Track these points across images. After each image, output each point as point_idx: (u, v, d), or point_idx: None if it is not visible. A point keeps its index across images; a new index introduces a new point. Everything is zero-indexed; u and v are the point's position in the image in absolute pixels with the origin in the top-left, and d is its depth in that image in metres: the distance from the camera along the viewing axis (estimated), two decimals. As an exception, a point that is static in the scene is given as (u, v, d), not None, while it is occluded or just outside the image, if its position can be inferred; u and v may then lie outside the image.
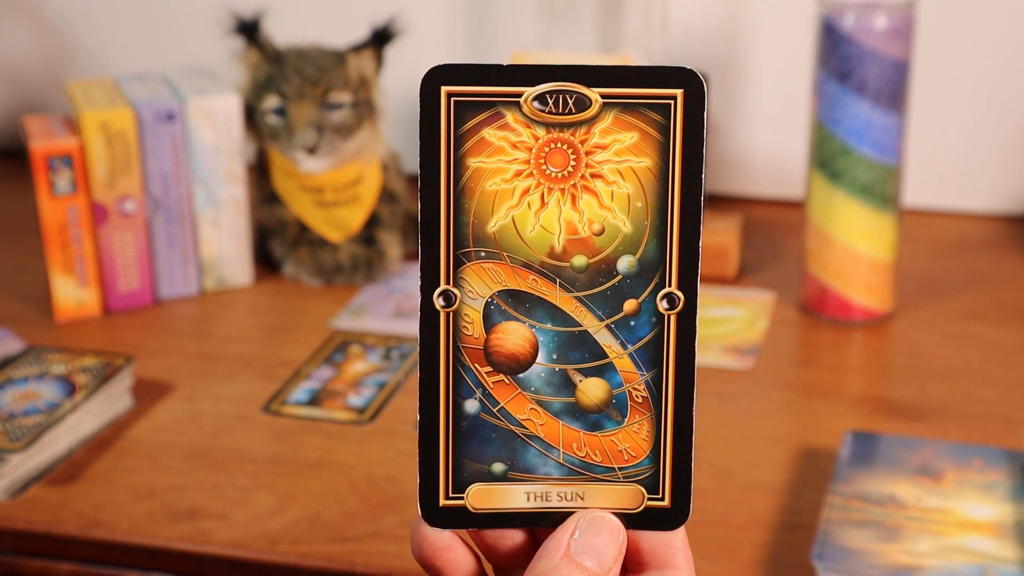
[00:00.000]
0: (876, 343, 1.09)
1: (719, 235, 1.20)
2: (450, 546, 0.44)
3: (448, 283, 0.43)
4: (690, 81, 0.42)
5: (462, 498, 0.44)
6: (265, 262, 1.24)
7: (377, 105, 1.19)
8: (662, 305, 0.43)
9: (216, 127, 1.16)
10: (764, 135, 1.40)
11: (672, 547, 0.44)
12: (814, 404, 0.99)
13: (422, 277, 0.43)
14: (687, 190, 0.43)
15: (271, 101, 1.16)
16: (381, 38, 1.18)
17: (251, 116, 1.18)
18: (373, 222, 1.22)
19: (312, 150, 1.15)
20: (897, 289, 1.13)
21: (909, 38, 1.04)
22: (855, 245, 1.08)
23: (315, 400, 0.99)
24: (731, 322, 1.11)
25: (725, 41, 1.38)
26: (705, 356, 1.04)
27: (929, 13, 1.25)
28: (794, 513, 0.84)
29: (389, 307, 1.16)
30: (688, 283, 0.43)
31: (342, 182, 1.19)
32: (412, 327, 1.12)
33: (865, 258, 1.08)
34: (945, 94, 1.33)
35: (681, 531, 0.44)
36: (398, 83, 1.30)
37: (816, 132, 1.07)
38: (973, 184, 1.36)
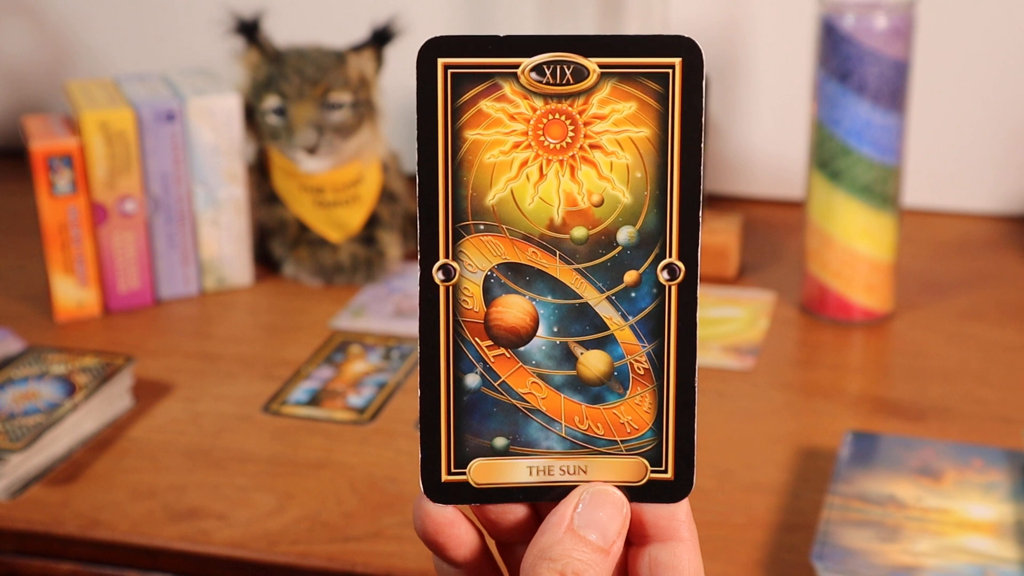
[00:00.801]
0: (876, 343, 1.09)
1: (719, 235, 1.20)
2: (452, 521, 0.44)
3: (447, 257, 0.42)
4: (688, 50, 0.42)
5: (464, 473, 0.43)
6: (265, 262, 1.24)
7: (377, 105, 1.19)
8: (663, 276, 0.43)
9: (216, 127, 1.16)
10: (764, 135, 1.40)
11: (676, 519, 0.44)
12: (814, 404, 0.99)
13: (420, 251, 0.42)
14: (686, 160, 0.42)
15: (271, 101, 1.16)
16: (381, 38, 1.18)
17: (251, 116, 1.18)
18: (373, 222, 1.22)
19: (312, 150, 1.15)
20: (897, 289, 1.13)
21: (909, 38, 1.04)
22: (855, 245, 1.08)
23: (315, 400, 0.99)
24: (731, 322, 1.11)
25: (725, 41, 1.38)
26: (705, 356, 1.04)
27: (929, 13, 1.25)
28: (794, 513, 0.84)
29: (389, 307, 1.16)
30: (688, 253, 0.43)
31: (342, 182, 1.19)
32: (412, 327, 1.12)
33: (865, 258, 1.08)
34: (945, 94, 1.33)
35: (685, 503, 0.44)
36: (398, 83, 1.30)
37: (816, 132, 1.07)
38: (973, 184, 1.36)
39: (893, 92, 1.04)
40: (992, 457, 0.86)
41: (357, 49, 1.18)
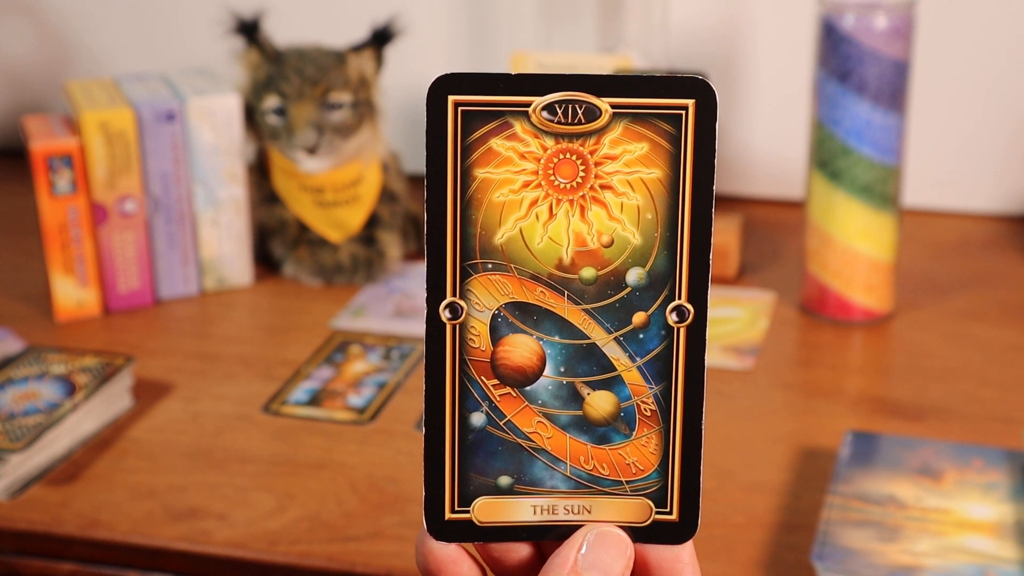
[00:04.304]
0: (876, 343, 1.09)
1: (719, 235, 1.20)
2: (456, 560, 0.43)
3: (455, 295, 0.42)
4: (702, 91, 0.41)
5: (468, 511, 0.43)
6: (265, 262, 1.24)
7: (377, 105, 1.19)
8: (671, 318, 0.43)
9: (216, 127, 1.16)
10: (764, 135, 1.40)
11: (680, 561, 0.44)
12: (814, 404, 0.99)
13: (428, 289, 0.42)
14: (697, 201, 0.42)
15: (271, 101, 1.16)
16: (381, 38, 1.18)
17: (251, 116, 1.18)
18: (373, 222, 1.22)
19: (312, 150, 1.15)
20: (897, 289, 1.13)
21: (909, 38, 1.04)
22: (855, 245, 1.08)
23: (315, 400, 0.99)
24: (731, 322, 1.11)
25: (725, 41, 1.38)
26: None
27: (929, 13, 1.25)
28: (794, 513, 0.84)
29: (389, 307, 1.16)
30: (698, 296, 0.43)
31: (342, 182, 1.19)
32: (412, 327, 1.12)
33: (865, 258, 1.08)
34: (945, 94, 1.33)
35: (689, 545, 0.44)
36: (398, 83, 1.30)
37: (816, 132, 1.07)
38: (973, 184, 1.36)
39: (893, 92, 1.04)
40: (992, 457, 0.86)
41: (357, 49, 1.18)
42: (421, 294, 1.20)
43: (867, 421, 0.95)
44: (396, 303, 1.17)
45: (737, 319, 1.12)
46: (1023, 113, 1.33)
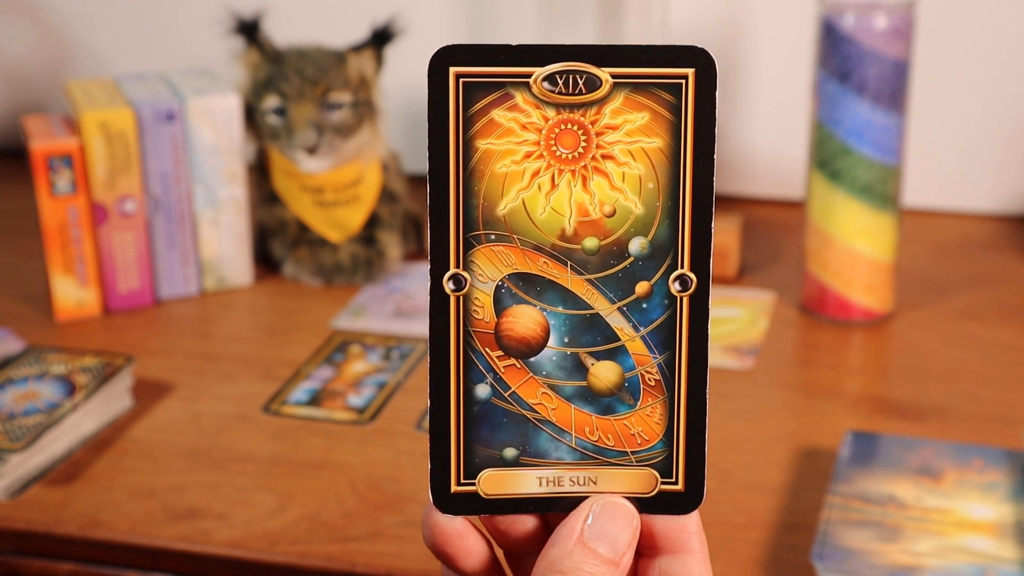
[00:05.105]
0: (876, 343, 1.09)
1: (719, 235, 1.20)
2: (462, 533, 0.43)
3: (458, 267, 0.42)
4: (701, 60, 0.41)
5: (474, 484, 0.43)
6: (265, 262, 1.24)
7: (377, 105, 1.19)
8: (674, 287, 0.43)
9: (216, 127, 1.16)
10: (764, 135, 1.40)
11: (686, 531, 0.44)
12: (814, 404, 0.99)
13: (431, 261, 0.42)
14: (699, 170, 0.42)
15: (271, 101, 1.16)
16: (381, 38, 1.18)
17: (251, 116, 1.18)
18: (373, 222, 1.22)
19: (312, 150, 1.15)
20: (897, 289, 1.13)
21: (909, 38, 1.04)
22: (855, 245, 1.08)
23: (315, 400, 0.99)
24: (731, 322, 1.11)
25: (725, 41, 1.38)
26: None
27: (929, 13, 1.25)
28: (794, 513, 0.84)
29: (389, 307, 1.16)
30: (700, 264, 0.43)
31: (342, 182, 1.19)
32: (412, 327, 1.12)
33: (865, 258, 1.08)
34: (945, 94, 1.33)
35: (695, 514, 0.44)
36: (398, 83, 1.30)
37: (816, 132, 1.07)
38: (973, 184, 1.36)
39: (893, 92, 1.04)
40: (992, 457, 0.86)
41: (357, 49, 1.18)
42: (421, 294, 1.21)
43: (867, 421, 0.95)
44: (396, 303, 1.17)
45: (737, 319, 1.12)
46: (1023, 113, 1.33)
